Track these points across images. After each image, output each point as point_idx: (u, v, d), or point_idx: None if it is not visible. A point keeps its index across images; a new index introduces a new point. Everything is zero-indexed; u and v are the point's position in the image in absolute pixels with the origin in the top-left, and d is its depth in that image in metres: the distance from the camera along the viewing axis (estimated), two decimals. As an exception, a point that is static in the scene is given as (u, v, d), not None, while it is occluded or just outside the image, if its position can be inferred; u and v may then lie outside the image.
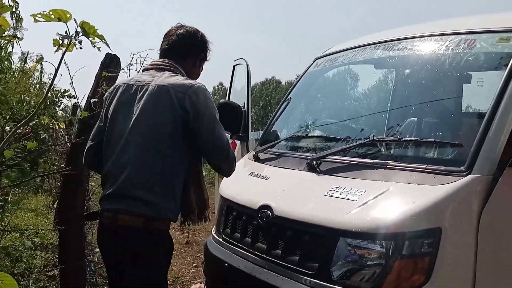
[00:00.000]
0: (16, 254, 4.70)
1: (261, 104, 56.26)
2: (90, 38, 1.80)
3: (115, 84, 2.77)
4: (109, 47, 1.87)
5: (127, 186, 2.47)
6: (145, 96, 2.53)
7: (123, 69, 3.86)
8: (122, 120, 2.56)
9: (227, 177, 2.91)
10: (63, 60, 1.86)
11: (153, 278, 2.51)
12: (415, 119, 3.28)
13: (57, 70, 1.89)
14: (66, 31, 1.80)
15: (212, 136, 2.53)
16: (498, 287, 2.43)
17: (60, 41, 1.78)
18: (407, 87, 3.44)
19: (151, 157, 2.48)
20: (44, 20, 1.81)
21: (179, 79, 2.57)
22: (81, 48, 1.82)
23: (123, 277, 2.50)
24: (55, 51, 1.81)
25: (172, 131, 2.49)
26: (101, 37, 1.81)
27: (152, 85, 2.55)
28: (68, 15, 1.81)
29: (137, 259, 2.47)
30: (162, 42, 2.78)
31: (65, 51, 1.80)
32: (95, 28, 1.80)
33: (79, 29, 1.79)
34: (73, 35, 1.76)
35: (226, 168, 2.68)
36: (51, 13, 1.82)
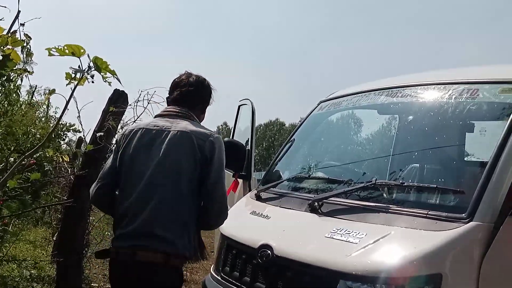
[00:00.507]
0: (13, 285, 4.65)
1: (264, 145, 56.43)
2: (102, 73, 1.84)
3: (130, 128, 2.86)
4: (120, 83, 1.92)
5: (148, 224, 2.57)
6: (167, 140, 2.67)
7: (130, 105, 3.91)
8: (142, 162, 2.67)
9: (212, 228, 3.01)
10: (73, 94, 1.91)
11: None
12: (417, 165, 3.30)
13: (67, 103, 1.93)
14: (79, 66, 1.85)
15: (218, 184, 2.70)
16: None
17: (73, 75, 1.83)
18: (410, 133, 3.47)
19: (172, 198, 2.61)
20: (58, 55, 1.86)
21: (198, 127, 2.76)
22: (93, 82, 1.87)
23: None
24: (66, 84, 1.86)
25: (191, 175, 2.65)
26: (113, 73, 1.86)
27: (174, 131, 2.70)
28: (82, 50, 1.86)
29: None
30: (174, 90, 2.92)
31: (77, 84, 1.85)
32: (107, 64, 1.85)
33: (91, 64, 1.84)
34: (86, 70, 1.81)
35: (215, 216, 2.77)
36: (65, 47, 1.87)
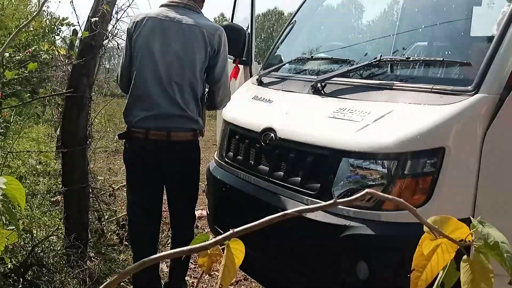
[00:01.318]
0: (21, 174, 4.75)
1: (263, 37, 55.29)
2: None
3: (142, 16, 3.03)
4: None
5: (176, 107, 2.95)
6: (182, 33, 2.97)
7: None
8: (158, 52, 2.95)
9: (217, 108, 3.38)
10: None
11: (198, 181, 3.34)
12: (422, 43, 3.20)
13: None
14: None
15: (224, 71, 3.13)
16: (498, 211, 2.43)
17: None
18: (416, 8, 3.34)
19: (188, 85, 2.97)
20: None
21: (207, 21, 3.08)
22: None
23: (178, 185, 3.11)
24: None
25: (202, 65, 3.01)
26: None
27: (186, 24, 2.97)
28: None
29: (194, 166, 3.16)
30: None
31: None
32: None
33: None
34: None
35: (221, 99, 3.22)
36: None
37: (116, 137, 3.20)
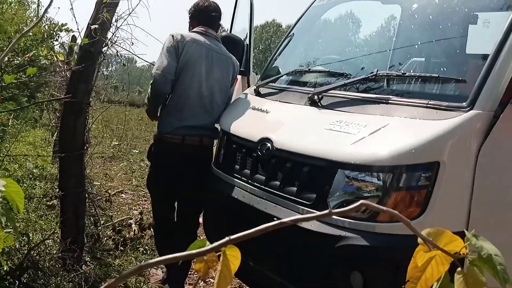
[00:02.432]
0: (18, 177, 4.74)
1: (261, 48, 55.43)
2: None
3: (188, 38, 3.60)
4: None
5: (207, 120, 3.66)
6: (219, 61, 3.68)
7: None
8: (203, 75, 3.60)
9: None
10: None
11: None
12: (419, 59, 3.24)
13: None
14: None
15: (232, 92, 3.89)
16: (492, 225, 2.46)
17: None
18: (413, 25, 3.38)
19: (220, 103, 3.72)
20: None
21: (228, 52, 3.77)
22: None
23: (192, 179, 3.66)
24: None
25: (227, 89, 3.79)
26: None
27: (222, 55, 3.71)
28: None
29: (208, 163, 3.68)
30: (203, 14, 3.78)
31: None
32: None
33: None
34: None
35: None
36: None
37: (114, 142, 3.31)
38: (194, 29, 3.73)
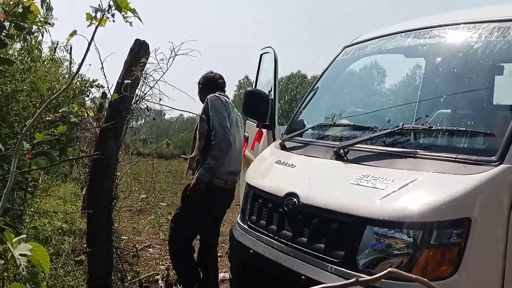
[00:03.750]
0: (46, 236, 4.79)
1: (286, 99, 56.03)
2: (122, 13, 1.79)
3: (227, 99, 4.52)
4: (141, 21, 1.85)
5: (239, 168, 4.64)
6: (239, 119, 4.64)
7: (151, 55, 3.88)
8: (234, 131, 4.44)
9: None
10: (93, 38, 1.86)
11: None
12: (445, 111, 3.22)
13: (89, 44, 1.87)
14: (98, 5, 1.80)
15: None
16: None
17: (93, 14, 1.78)
18: (437, 78, 3.36)
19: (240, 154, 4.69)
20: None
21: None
22: (113, 21, 1.80)
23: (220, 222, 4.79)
24: (88, 26, 1.80)
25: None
26: (133, 11, 1.79)
27: (237, 113, 4.63)
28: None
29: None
30: (215, 81, 4.73)
31: (98, 25, 1.79)
32: (128, 2, 1.78)
33: (111, 2, 1.78)
34: (106, 8, 1.76)
35: None
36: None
37: (142, 195, 3.41)
38: (214, 94, 4.44)
